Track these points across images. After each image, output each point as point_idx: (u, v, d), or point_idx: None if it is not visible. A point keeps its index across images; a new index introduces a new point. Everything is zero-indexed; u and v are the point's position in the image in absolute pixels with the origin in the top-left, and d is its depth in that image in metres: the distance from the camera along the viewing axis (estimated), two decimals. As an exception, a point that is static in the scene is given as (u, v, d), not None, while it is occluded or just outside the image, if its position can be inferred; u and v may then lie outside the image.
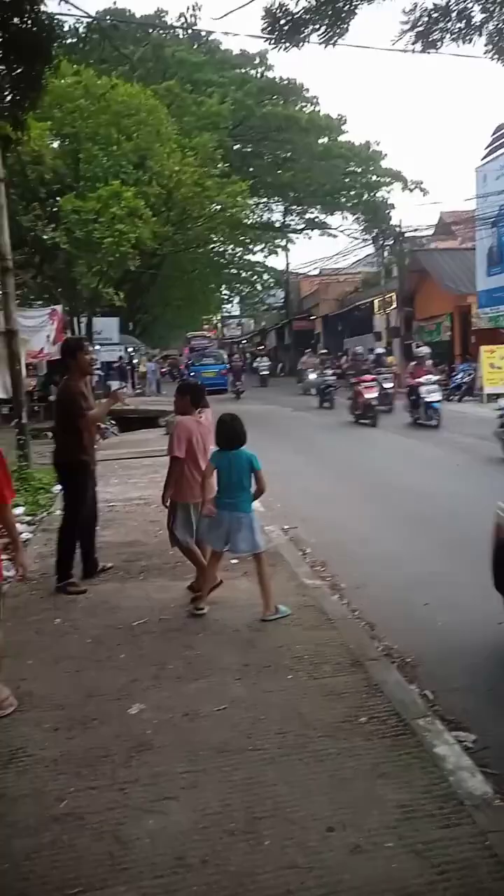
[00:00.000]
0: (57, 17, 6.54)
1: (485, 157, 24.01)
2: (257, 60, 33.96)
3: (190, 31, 32.69)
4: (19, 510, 8.76)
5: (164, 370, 40.41)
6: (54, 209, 17.24)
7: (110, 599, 5.61)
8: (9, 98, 7.16)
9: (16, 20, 6.60)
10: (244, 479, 5.09)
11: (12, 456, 10.60)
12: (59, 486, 7.25)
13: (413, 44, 7.86)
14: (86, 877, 2.66)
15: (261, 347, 48.57)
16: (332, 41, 7.64)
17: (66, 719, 3.82)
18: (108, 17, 35.54)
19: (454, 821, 2.88)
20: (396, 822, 2.89)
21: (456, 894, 2.51)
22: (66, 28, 31.02)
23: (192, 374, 32.71)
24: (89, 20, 32.01)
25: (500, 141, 23.34)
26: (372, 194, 36.33)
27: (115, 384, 27.39)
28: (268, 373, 35.90)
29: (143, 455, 12.66)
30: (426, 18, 7.61)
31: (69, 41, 33.47)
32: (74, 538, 6.10)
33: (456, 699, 4.15)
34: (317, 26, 7.46)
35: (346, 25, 7.56)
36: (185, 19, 30.13)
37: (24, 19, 6.60)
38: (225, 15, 30.95)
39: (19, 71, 7.01)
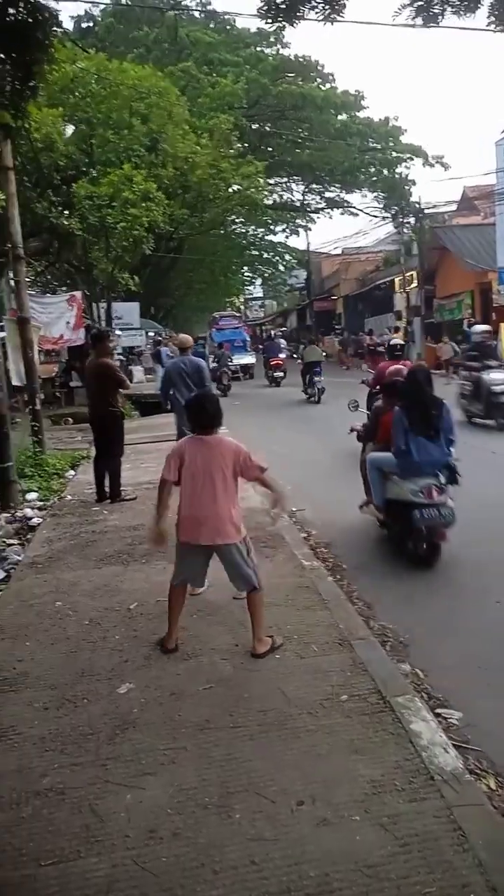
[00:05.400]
0: (54, 4, 6.53)
1: (504, 130, 23.59)
2: (272, 38, 33.52)
3: (204, 10, 32.40)
4: (32, 495, 8.92)
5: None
6: (69, 195, 17.28)
7: (111, 583, 5.72)
8: (8, 88, 7.22)
9: (11, 10, 6.64)
10: None
11: (27, 442, 10.78)
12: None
13: (414, 18, 7.76)
14: (61, 849, 2.78)
15: (283, 329, 48.71)
16: (331, 18, 7.58)
17: (58, 699, 3.94)
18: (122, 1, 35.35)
19: (422, 795, 2.95)
20: (365, 796, 2.96)
21: (415, 866, 2.57)
22: (76, 13, 31.02)
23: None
24: (104, 4, 31.88)
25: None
26: (391, 171, 35.80)
27: (137, 369, 27.58)
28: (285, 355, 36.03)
29: (158, 440, 12.71)
30: (425, -8, 7.52)
31: (84, 25, 33.49)
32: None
33: (446, 677, 4.20)
34: (314, 3, 7.42)
35: (343, 2, 7.50)
36: (200, -2, 29.88)
37: (19, 9, 6.64)
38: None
39: (17, 60, 7.02)
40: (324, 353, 21.92)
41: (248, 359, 31.63)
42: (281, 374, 25.77)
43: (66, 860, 2.72)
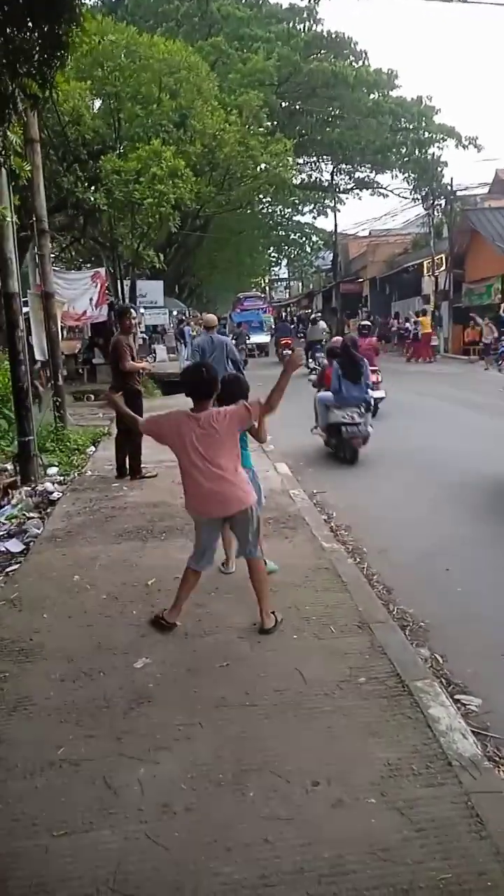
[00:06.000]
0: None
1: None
2: (305, 14, 32.91)
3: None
4: (53, 470, 8.94)
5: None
6: (96, 170, 17.13)
7: (129, 558, 5.72)
8: (36, 57, 7.10)
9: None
10: (244, 436, 5.00)
11: (49, 417, 10.80)
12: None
13: (451, -9, 7.57)
14: (73, 820, 2.77)
15: (308, 311, 48.50)
16: (366, -10, 7.43)
17: (74, 671, 3.93)
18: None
19: (439, 780, 2.90)
20: (381, 779, 2.92)
21: (431, 852, 2.53)
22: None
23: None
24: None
25: None
26: (423, 151, 35.11)
27: (160, 348, 27.58)
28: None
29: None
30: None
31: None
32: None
33: (467, 663, 4.14)
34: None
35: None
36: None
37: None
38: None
39: (45, 30, 6.91)
40: (325, 332, 25.63)
41: (264, 338, 35.52)
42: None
43: (79, 831, 2.71)
